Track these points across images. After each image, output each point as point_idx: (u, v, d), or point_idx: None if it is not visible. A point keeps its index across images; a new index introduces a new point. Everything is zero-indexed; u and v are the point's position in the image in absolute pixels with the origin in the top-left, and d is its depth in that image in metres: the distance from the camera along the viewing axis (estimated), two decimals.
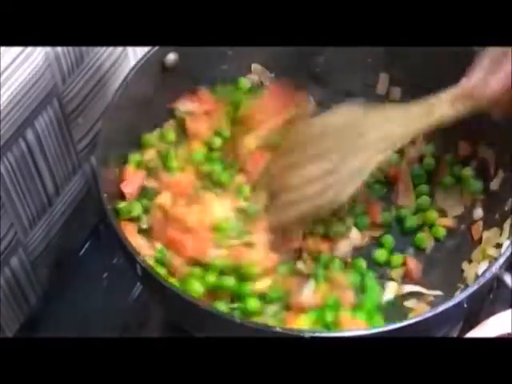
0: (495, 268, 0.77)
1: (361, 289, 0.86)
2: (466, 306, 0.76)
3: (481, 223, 0.90)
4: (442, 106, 0.83)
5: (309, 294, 0.84)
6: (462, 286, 0.84)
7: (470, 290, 0.76)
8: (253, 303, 0.81)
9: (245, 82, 0.98)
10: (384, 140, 0.83)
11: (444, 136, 0.95)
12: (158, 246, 0.84)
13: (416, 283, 0.88)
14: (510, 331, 0.72)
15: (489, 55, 0.82)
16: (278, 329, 0.73)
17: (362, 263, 0.88)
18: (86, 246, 1.02)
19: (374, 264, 0.90)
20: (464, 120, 0.90)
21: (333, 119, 0.86)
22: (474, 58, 0.84)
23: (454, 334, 0.88)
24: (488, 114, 0.84)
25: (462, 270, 0.87)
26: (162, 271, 0.82)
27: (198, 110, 0.95)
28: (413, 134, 0.85)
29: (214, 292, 0.83)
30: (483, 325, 0.73)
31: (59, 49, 0.90)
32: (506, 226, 0.86)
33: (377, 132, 0.83)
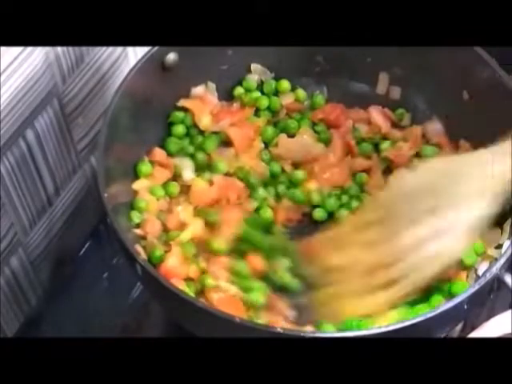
0: (496, 268, 0.77)
1: None
2: (466, 306, 0.76)
3: None
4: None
5: None
6: None
7: (470, 291, 0.76)
8: None
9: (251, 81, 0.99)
10: (482, 184, 0.77)
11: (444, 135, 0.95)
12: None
13: None
14: (510, 332, 0.72)
15: None
16: (278, 329, 0.73)
17: None
18: (86, 246, 1.02)
19: None
20: (464, 119, 0.90)
21: (417, 177, 0.80)
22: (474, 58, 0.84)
23: (455, 335, 0.88)
24: None
25: None
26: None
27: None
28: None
29: None
30: (484, 326, 0.73)
31: (59, 49, 0.90)
32: (507, 226, 0.86)
33: (472, 177, 0.77)
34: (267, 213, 0.91)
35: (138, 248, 0.83)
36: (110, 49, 0.98)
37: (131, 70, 0.89)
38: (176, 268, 0.84)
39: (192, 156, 0.94)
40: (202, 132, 0.96)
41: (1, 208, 0.88)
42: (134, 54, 1.02)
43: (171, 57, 0.92)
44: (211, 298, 0.82)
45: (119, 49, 1.00)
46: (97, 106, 0.99)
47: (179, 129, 0.95)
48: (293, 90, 0.99)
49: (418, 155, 0.95)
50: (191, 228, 0.87)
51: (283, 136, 0.96)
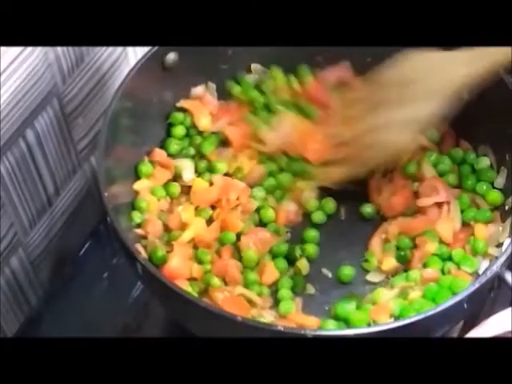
0: (496, 267, 0.78)
1: None
2: (466, 304, 0.76)
3: None
4: (495, 52, 0.81)
5: None
6: None
7: (470, 289, 0.76)
8: None
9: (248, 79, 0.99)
10: (440, 84, 0.83)
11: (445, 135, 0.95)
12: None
13: None
14: (510, 330, 0.72)
15: None
16: (279, 327, 0.73)
17: None
18: (86, 245, 1.02)
19: None
20: (464, 118, 0.90)
21: (384, 74, 0.86)
22: None
23: (455, 333, 0.88)
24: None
25: None
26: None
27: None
28: (469, 78, 0.82)
29: None
30: (484, 324, 0.73)
31: (59, 49, 0.90)
32: (507, 224, 0.86)
33: (433, 77, 0.83)
34: (268, 213, 0.91)
35: (139, 247, 0.83)
36: (110, 49, 0.98)
37: (131, 70, 0.89)
38: (179, 268, 0.84)
39: (192, 157, 0.94)
40: (201, 133, 0.96)
41: (1, 208, 0.88)
42: (134, 54, 1.02)
43: (171, 57, 0.92)
44: (216, 298, 0.82)
45: (119, 49, 1.00)
46: (97, 105, 0.99)
47: (179, 130, 0.95)
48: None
49: None
50: (192, 228, 0.87)
51: (265, 130, 0.95)
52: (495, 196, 0.90)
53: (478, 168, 0.93)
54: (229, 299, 0.82)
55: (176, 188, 0.91)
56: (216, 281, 0.83)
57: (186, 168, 0.93)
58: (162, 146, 0.94)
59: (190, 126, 0.96)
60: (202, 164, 0.93)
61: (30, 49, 0.85)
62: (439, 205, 0.90)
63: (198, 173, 0.93)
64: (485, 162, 0.92)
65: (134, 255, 0.78)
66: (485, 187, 0.91)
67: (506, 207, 0.88)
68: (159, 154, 0.93)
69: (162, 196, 0.90)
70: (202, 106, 0.96)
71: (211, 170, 0.93)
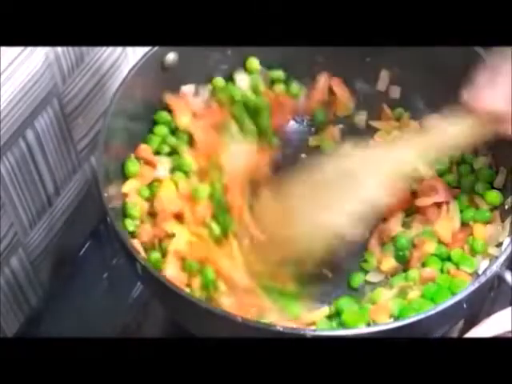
0: (496, 266, 0.78)
1: None
2: (466, 304, 0.76)
3: None
4: (440, 130, 0.82)
5: None
6: None
7: (470, 289, 0.76)
8: None
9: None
10: (388, 170, 0.82)
11: None
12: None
13: None
14: (510, 329, 0.72)
15: (485, 69, 0.80)
16: (279, 328, 0.73)
17: None
18: (86, 245, 1.02)
19: None
20: None
21: (327, 167, 0.85)
22: (474, 59, 0.84)
23: (455, 333, 0.88)
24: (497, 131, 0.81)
25: None
26: None
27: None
28: (421, 158, 0.83)
29: None
30: (484, 323, 0.73)
31: (59, 49, 0.90)
32: (507, 224, 0.86)
33: (380, 165, 0.83)
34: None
35: (138, 247, 0.83)
36: (110, 49, 0.98)
37: (131, 70, 0.89)
38: (175, 278, 0.82)
39: (169, 154, 0.93)
40: (180, 131, 0.94)
41: (1, 208, 0.89)
42: (134, 54, 1.02)
43: (171, 57, 0.92)
44: (222, 304, 0.82)
45: (119, 49, 1.00)
46: (97, 105, 0.99)
47: (161, 128, 0.93)
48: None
49: None
50: (176, 240, 0.85)
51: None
52: (494, 196, 0.89)
53: (476, 167, 0.92)
54: (236, 304, 0.82)
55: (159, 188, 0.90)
56: (222, 287, 0.83)
57: (162, 165, 0.91)
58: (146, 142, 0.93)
59: (173, 125, 0.94)
60: (175, 162, 0.92)
61: (29, 49, 0.85)
62: (438, 205, 0.90)
63: (172, 170, 0.91)
64: (484, 161, 0.92)
65: (133, 255, 0.78)
66: (484, 187, 0.91)
67: (506, 207, 0.88)
68: (144, 149, 0.91)
69: (148, 197, 0.89)
70: (184, 105, 0.95)
71: (180, 169, 0.92)
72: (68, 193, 1.00)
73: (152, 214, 0.88)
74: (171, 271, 0.83)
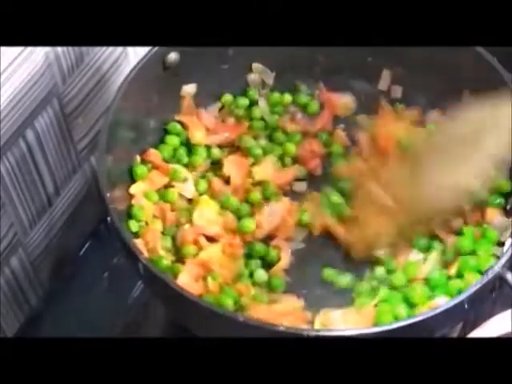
0: (497, 267, 0.77)
1: None
2: (467, 305, 0.76)
3: None
4: None
5: None
6: None
7: (471, 289, 0.76)
8: None
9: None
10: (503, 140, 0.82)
11: None
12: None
13: None
14: (511, 330, 0.72)
15: None
16: (280, 327, 0.73)
17: None
18: (86, 245, 1.02)
19: None
20: None
21: (453, 126, 0.86)
22: (475, 59, 0.84)
23: (456, 333, 0.88)
24: None
25: None
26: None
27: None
28: None
29: None
30: (485, 325, 0.73)
31: (59, 49, 0.90)
32: (509, 224, 0.86)
33: (497, 134, 0.82)
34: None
35: (140, 246, 0.83)
36: (110, 49, 0.98)
37: (131, 70, 0.89)
38: (187, 285, 0.81)
39: (185, 166, 0.93)
40: (194, 146, 0.95)
41: (1, 208, 0.88)
42: (134, 54, 1.02)
43: (172, 56, 0.92)
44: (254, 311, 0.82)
45: (119, 49, 1.00)
46: (97, 106, 0.99)
47: (173, 139, 0.94)
48: (294, 91, 1.00)
49: None
50: (207, 252, 0.86)
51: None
52: (504, 184, 0.89)
53: None
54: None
55: (174, 195, 0.90)
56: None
57: (186, 178, 0.91)
58: (157, 149, 0.93)
59: (185, 138, 0.95)
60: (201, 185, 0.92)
61: (29, 49, 0.85)
62: None
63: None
64: None
65: (135, 254, 0.78)
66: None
67: (508, 206, 0.88)
68: (154, 154, 0.92)
69: (156, 201, 0.89)
70: (198, 121, 0.96)
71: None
72: (68, 193, 1.00)
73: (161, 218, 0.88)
74: (184, 278, 0.83)
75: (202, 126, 0.96)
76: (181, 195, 0.91)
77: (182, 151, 0.94)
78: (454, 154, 0.83)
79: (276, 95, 0.99)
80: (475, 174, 0.83)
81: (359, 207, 0.90)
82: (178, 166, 0.92)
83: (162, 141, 0.94)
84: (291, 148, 0.96)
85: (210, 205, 0.90)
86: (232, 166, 0.94)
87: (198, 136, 0.95)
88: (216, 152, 0.95)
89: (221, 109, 0.98)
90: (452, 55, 0.89)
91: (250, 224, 0.89)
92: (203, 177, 0.93)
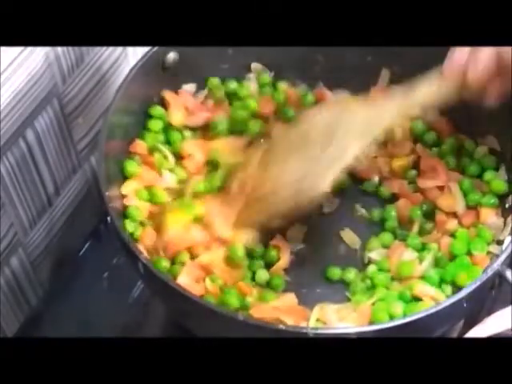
0: (497, 264, 0.78)
1: None
2: (466, 303, 0.76)
3: None
4: (425, 89, 0.83)
5: None
6: None
7: (471, 287, 0.76)
8: None
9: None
10: (365, 126, 0.83)
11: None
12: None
13: None
14: (511, 328, 0.72)
15: None
16: (280, 326, 0.73)
17: None
18: (86, 245, 1.02)
19: None
20: (464, 118, 0.90)
21: (316, 114, 0.86)
22: None
23: (456, 331, 0.88)
24: (478, 100, 0.82)
25: None
26: None
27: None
28: (396, 117, 0.84)
29: None
30: (485, 322, 0.73)
31: (59, 49, 0.90)
32: (508, 222, 0.86)
33: (357, 119, 0.83)
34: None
35: (140, 246, 0.83)
36: (110, 49, 0.98)
37: (131, 70, 0.89)
38: (187, 285, 0.81)
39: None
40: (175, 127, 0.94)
41: (1, 208, 0.88)
42: (134, 54, 1.02)
43: (171, 56, 0.92)
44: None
45: (119, 49, 1.00)
46: (97, 106, 0.99)
47: (156, 124, 0.93)
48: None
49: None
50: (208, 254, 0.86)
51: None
52: (500, 184, 0.89)
53: (478, 156, 0.93)
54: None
55: (161, 194, 0.89)
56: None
57: (166, 171, 0.91)
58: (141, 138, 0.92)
59: (168, 124, 0.94)
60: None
61: (29, 49, 0.85)
62: (440, 188, 0.91)
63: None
64: (485, 150, 0.93)
65: (135, 254, 0.78)
66: (490, 175, 0.91)
67: (507, 205, 0.88)
68: (139, 145, 0.91)
69: (147, 199, 0.88)
70: (178, 99, 0.95)
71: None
72: (68, 193, 1.00)
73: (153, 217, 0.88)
74: (185, 279, 0.82)
75: (182, 106, 0.95)
76: (166, 189, 0.90)
77: (163, 137, 0.93)
78: (305, 151, 0.84)
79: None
80: (320, 176, 0.83)
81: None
82: (160, 155, 0.91)
83: (145, 128, 0.93)
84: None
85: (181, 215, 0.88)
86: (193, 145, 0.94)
87: (178, 116, 0.94)
88: (188, 135, 0.94)
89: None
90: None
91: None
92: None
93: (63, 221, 1.00)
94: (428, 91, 0.82)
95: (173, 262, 0.85)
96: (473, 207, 0.89)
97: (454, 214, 0.90)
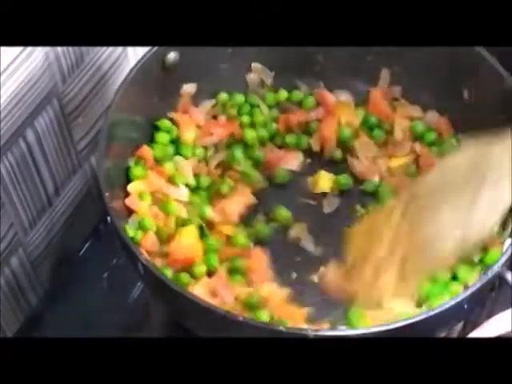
0: (497, 266, 0.77)
1: None
2: (467, 304, 0.76)
3: None
4: None
5: None
6: None
7: (471, 289, 0.76)
8: None
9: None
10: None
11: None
12: None
13: None
14: (511, 330, 0.72)
15: None
16: (281, 328, 0.73)
17: None
18: (86, 245, 1.02)
19: None
20: (464, 118, 0.90)
21: (456, 161, 0.76)
22: (474, 59, 0.84)
23: (456, 333, 0.88)
24: None
25: None
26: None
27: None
28: None
29: None
30: (485, 325, 0.73)
31: (59, 49, 0.90)
32: (508, 224, 0.86)
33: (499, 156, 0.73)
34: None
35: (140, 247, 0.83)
36: (110, 49, 0.98)
37: (131, 70, 0.89)
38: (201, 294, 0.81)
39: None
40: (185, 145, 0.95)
41: (1, 208, 0.88)
42: (134, 54, 1.02)
43: (171, 56, 0.92)
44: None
45: (119, 49, 1.00)
46: (97, 105, 0.99)
47: (163, 137, 0.93)
48: (291, 90, 1.00)
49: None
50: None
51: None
52: None
53: None
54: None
55: (173, 207, 0.89)
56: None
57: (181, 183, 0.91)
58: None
59: (176, 137, 0.95)
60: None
61: (29, 49, 0.85)
62: None
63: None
64: None
65: (135, 254, 0.78)
66: None
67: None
68: (146, 151, 0.91)
69: (150, 203, 0.88)
70: (189, 120, 0.96)
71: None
72: (68, 193, 1.00)
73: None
74: (200, 291, 0.82)
75: (194, 125, 0.96)
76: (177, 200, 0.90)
77: (171, 149, 0.94)
78: (452, 201, 0.74)
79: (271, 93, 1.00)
80: (477, 224, 0.73)
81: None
82: (170, 165, 0.92)
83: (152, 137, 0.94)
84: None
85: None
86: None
87: (188, 135, 0.95)
88: (200, 152, 0.95)
89: (214, 106, 0.98)
90: (452, 55, 0.89)
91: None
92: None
93: (63, 221, 1.00)
94: None
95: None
96: None
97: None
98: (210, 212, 0.89)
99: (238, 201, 0.91)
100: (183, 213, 0.89)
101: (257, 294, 0.83)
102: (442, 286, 0.83)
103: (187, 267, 0.85)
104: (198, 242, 0.86)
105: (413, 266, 0.76)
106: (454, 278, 0.84)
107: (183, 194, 0.91)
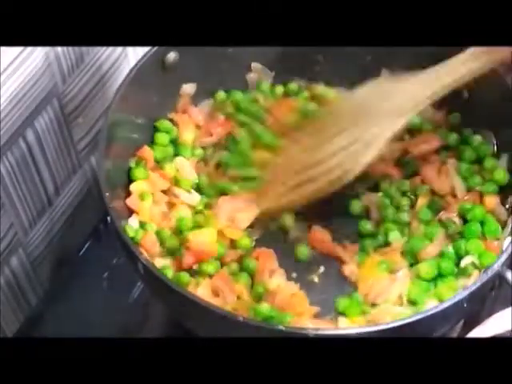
0: (497, 265, 0.77)
1: None
2: (466, 303, 0.76)
3: None
4: (459, 66, 0.83)
5: None
6: None
7: (471, 288, 0.76)
8: None
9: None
10: (402, 104, 0.84)
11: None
12: None
13: None
14: (511, 329, 0.72)
15: None
16: (281, 327, 0.73)
17: None
18: (86, 245, 1.02)
19: None
20: (464, 118, 0.90)
21: (352, 97, 0.88)
22: None
23: (456, 332, 0.88)
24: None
25: None
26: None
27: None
28: (432, 96, 0.85)
29: None
30: (485, 323, 0.73)
31: (59, 49, 0.90)
32: (508, 222, 0.86)
33: (395, 98, 0.85)
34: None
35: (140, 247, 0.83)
36: (110, 49, 0.98)
37: (131, 70, 0.89)
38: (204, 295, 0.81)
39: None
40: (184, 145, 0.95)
41: (1, 208, 0.88)
42: (134, 54, 1.02)
43: (171, 56, 0.92)
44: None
45: (119, 49, 1.00)
46: (97, 105, 0.99)
47: (163, 137, 0.93)
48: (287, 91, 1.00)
49: None
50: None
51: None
52: (501, 173, 0.89)
53: (476, 143, 0.93)
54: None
55: (186, 212, 0.88)
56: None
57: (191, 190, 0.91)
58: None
59: (176, 137, 0.95)
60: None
61: (29, 49, 0.85)
62: (438, 169, 0.91)
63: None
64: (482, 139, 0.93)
65: (135, 254, 0.78)
66: (492, 163, 0.90)
67: (507, 206, 0.88)
68: (148, 152, 0.91)
69: (151, 204, 0.88)
70: (188, 119, 0.95)
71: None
72: (68, 193, 1.00)
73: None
74: (203, 291, 0.82)
75: (193, 125, 0.95)
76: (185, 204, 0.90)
77: (171, 150, 0.93)
78: (344, 131, 0.85)
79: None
80: (359, 155, 0.84)
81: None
82: (171, 166, 0.91)
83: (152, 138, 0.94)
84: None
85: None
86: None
87: (188, 135, 0.94)
88: (199, 152, 0.95)
89: (213, 105, 0.98)
90: (452, 55, 0.89)
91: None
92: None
93: (63, 221, 1.01)
94: (461, 67, 0.83)
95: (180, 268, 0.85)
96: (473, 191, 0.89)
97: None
98: (222, 221, 0.88)
99: (251, 209, 0.90)
100: (195, 217, 0.88)
101: (263, 285, 0.84)
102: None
103: (199, 261, 0.84)
104: (215, 243, 0.86)
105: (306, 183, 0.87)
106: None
107: (195, 199, 0.90)
